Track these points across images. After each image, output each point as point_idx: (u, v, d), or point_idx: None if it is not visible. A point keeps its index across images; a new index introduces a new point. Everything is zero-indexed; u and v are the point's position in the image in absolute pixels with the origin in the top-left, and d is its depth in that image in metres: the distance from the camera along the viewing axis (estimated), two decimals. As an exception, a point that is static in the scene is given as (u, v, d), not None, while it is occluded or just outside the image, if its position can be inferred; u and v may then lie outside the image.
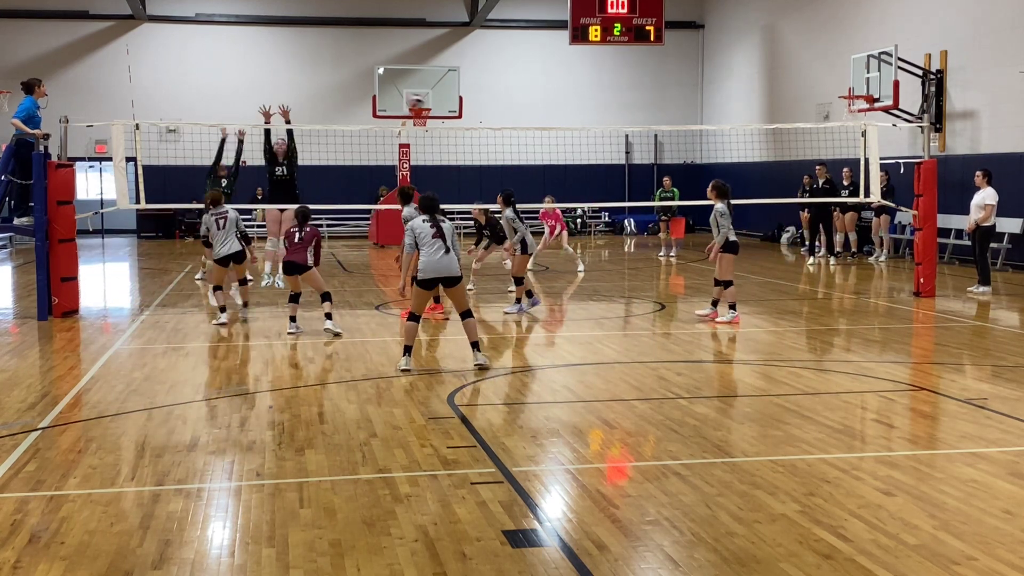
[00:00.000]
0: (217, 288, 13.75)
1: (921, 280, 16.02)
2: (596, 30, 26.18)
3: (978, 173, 16.36)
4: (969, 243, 20.90)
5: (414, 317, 10.32)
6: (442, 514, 5.98)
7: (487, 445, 7.49)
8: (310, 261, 12.61)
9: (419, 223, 10.32)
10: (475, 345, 10.38)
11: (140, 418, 8.46)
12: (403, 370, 10.13)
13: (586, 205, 32.37)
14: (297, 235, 12.68)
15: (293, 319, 12.85)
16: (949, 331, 12.86)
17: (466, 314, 10.39)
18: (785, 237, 28.09)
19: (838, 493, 6.35)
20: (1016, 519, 5.87)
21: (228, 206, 14.02)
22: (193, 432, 7.97)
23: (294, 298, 12.98)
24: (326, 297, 12.84)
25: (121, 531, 5.76)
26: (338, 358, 11.19)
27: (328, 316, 12.68)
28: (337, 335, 12.45)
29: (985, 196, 16.16)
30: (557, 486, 6.63)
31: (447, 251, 10.19)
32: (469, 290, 17.33)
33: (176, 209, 29.54)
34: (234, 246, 13.54)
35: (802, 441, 7.61)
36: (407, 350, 10.28)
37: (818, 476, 6.71)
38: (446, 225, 10.35)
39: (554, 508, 6.21)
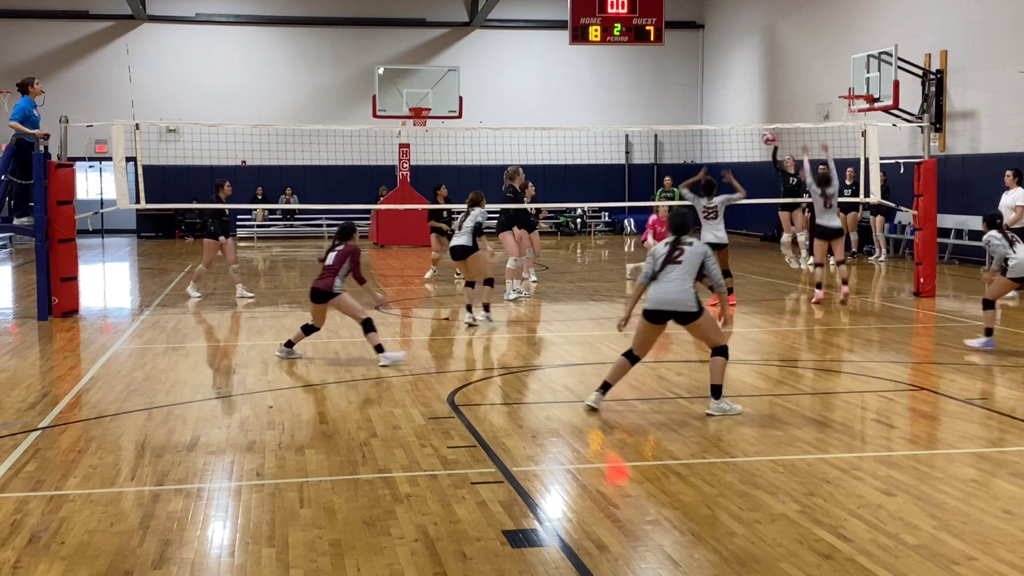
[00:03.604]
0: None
1: (921, 280, 16.02)
2: (596, 30, 26.17)
3: (1008, 173, 16.16)
4: (964, 242, 21.02)
5: (631, 355, 8.53)
6: (442, 514, 5.98)
7: (487, 445, 7.49)
8: (337, 287, 10.78)
9: (661, 249, 8.53)
10: (716, 390, 8.42)
11: (140, 418, 8.46)
12: (589, 407, 8.56)
13: (586, 205, 32.39)
14: (330, 255, 10.97)
15: (290, 344, 11.14)
16: (949, 331, 12.86)
17: (719, 350, 8.43)
18: (785, 237, 28.03)
19: (838, 493, 6.35)
20: (1016, 519, 5.87)
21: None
22: (193, 432, 7.97)
23: (307, 329, 11.12)
24: (368, 326, 10.82)
25: (121, 531, 5.76)
26: (338, 358, 11.18)
27: (379, 348, 10.75)
28: (396, 364, 10.69)
29: (1016, 197, 15.90)
30: (557, 486, 6.63)
31: (681, 280, 8.33)
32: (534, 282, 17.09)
33: (176, 209, 29.54)
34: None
35: (802, 441, 7.61)
36: (604, 387, 8.61)
37: (818, 476, 6.71)
38: (692, 249, 8.43)
39: (554, 508, 6.21)
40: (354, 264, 10.86)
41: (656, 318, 8.40)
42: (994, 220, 11.84)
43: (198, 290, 16.48)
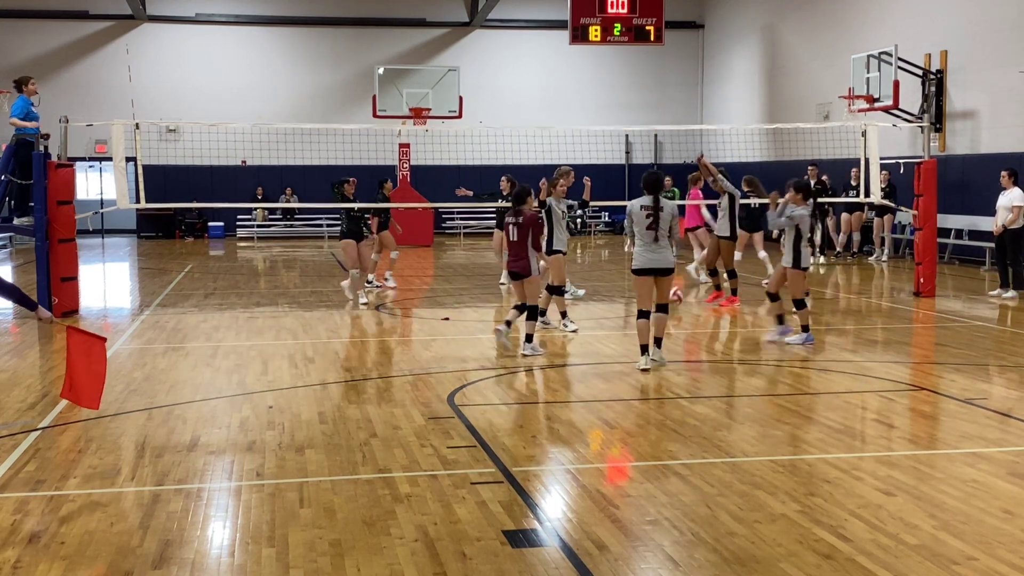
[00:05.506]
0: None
1: (921, 280, 16.02)
2: (596, 30, 26.15)
3: (1004, 173, 16.20)
4: (965, 242, 21.03)
5: (643, 314, 10.18)
6: (442, 514, 5.98)
7: (487, 445, 7.49)
8: (534, 268, 10.99)
9: (637, 208, 10.20)
10: (658, 342, 10.31)
11: (140, 418, 8.46)
12: (642, 369, 10.04)
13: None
14: (513, 230, 10.99)
15: (524, 335, 11.22)
16: (949, 331, 12.86)
17: (662, 307, 10.31)
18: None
19: (838, 493, 6.35)
20: (1016, 519, 5.87)
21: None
22: (193, 432, 7.97)
23: (521, 308, 11.18)
24: (530, 313, 11.10)
25: (121, 531, 5.76)
26: (338, 358, 11.18)
27: (529, 338, 11.10)
28: (537, 354, 11.06)
29: (1013, 197, 15.95)
30: (557, 486, 6.63)
31: (660, 242, 10.11)
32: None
33: (176, 209, 29.54)
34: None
35: (802, 441, 7.61)
36: (643, 349, 10.18)
37: (818, 476, 6.71)
38: (664, 213, 10.09)
39: (554, 508, 6.21)
40: (534, 235, 10.99)
41: (645, 275, 10.21)
42: (809, 187, 12.36)
43: (365, 295, 15.66)
